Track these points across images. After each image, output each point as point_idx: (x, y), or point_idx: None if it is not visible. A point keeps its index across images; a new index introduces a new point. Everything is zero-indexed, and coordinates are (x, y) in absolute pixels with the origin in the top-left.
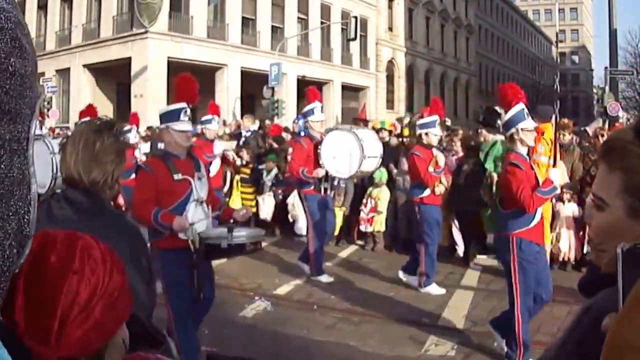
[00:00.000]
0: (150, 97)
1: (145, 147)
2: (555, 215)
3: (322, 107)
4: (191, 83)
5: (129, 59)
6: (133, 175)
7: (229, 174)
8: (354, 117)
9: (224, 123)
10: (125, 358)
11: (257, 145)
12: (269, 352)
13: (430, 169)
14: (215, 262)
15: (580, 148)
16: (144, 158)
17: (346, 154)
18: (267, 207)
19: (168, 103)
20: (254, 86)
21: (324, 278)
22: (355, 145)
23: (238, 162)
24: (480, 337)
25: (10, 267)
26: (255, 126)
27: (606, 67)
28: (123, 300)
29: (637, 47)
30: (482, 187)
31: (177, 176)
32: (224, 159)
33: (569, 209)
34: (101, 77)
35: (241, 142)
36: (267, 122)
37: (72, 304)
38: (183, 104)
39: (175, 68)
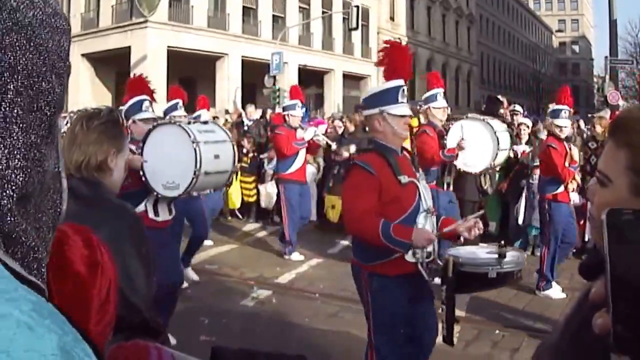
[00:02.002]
0: None
1: None
2: None
3: (444, 93)
4: (405, 53)
5: (128, 48)
6: None
7: None
8: (356, 106)
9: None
10: (123, 345)
11: (258, 134)
12: (270, 342)
13: (566, 163)
14: (214, 251)
15: (581, 137)
16: None
17: (478, 146)
18: (268, 197)
19: (168, 93)
20: (255, 75)
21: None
22: (489, 136)
23: (333, 147)
24: (481, 324)
25: (48, 258)
26: (257, 115)
27: (606, 57)
28: (115, 287)
29: (637, 37)
30: (484, 175)
31: (404, 179)
32: (311, 145)
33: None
34: (100, 67)
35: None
36: (269, 110)
37: (98, 298)
38: (400, 81)
39: (175, 57)
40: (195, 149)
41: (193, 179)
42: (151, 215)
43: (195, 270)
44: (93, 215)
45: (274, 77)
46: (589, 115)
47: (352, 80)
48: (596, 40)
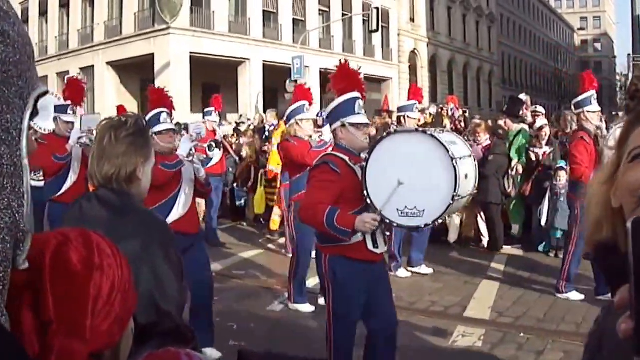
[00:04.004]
0: (173, 93)
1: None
2: None
3: (597, 96)
4: None
5: (152, 55)
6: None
7: (253, 168)
8: (376, 109)
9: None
10: (155, 354)
11: None
12: (296, 346)
13: None
14: (240, 257)
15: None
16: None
17: None
18: None
19: (192, 99)
20: (276, 80)
21: (574, 295)
22: None
23: None
24: (507, 327)
25: (5, 261)
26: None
27: (629, 54)
28: (131, 291)
29: None
30: (507, 178)
31: None
32: None
33: None
34: (125, 74)
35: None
36: None
37: (97, 299)
38: None
39: (197, 64)
40: (455, 167)
41: (450, 205)
42: (370, 246)
43: (222, 275)
44: (123, 224)
45: (296, 81)
46: (613, 113)
47: (373, 82)
48: (619, 37)
